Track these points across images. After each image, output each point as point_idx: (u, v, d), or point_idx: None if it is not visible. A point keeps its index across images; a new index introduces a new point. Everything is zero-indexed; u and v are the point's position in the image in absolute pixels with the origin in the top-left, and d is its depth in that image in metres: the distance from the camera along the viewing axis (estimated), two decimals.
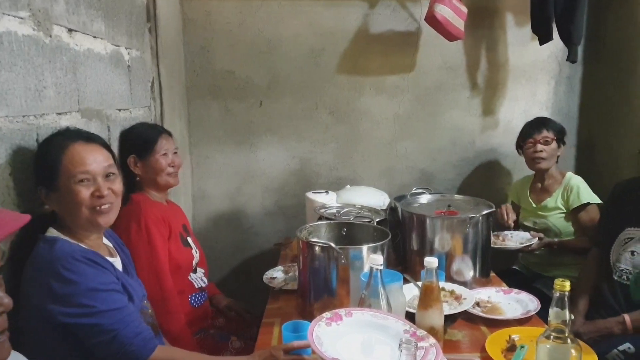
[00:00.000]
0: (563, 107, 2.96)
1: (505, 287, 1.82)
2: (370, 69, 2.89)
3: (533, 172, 2.52)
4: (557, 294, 1.09)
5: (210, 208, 2.99)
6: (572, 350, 1.08)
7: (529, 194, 2.51)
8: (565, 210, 2.36)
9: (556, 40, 2.61)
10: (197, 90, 2.88)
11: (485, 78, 2.94)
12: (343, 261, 1.50)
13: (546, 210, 2.40)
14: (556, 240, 2.34)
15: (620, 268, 1.88)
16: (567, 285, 1.08)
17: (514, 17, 2.87)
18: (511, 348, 1.39)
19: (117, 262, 1.39)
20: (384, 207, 2.22)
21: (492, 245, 2.14)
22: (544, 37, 2.63)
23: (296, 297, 1.73)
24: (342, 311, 1.26)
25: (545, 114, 2.91)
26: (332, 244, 1.51)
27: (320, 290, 1.56)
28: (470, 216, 1.81)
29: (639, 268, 1.79)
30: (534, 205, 2.46)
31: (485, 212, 1.84)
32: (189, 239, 1.94)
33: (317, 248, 1.55)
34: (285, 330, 1.35)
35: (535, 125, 2.43)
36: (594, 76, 2.90)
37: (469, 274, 1.82)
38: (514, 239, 2.27)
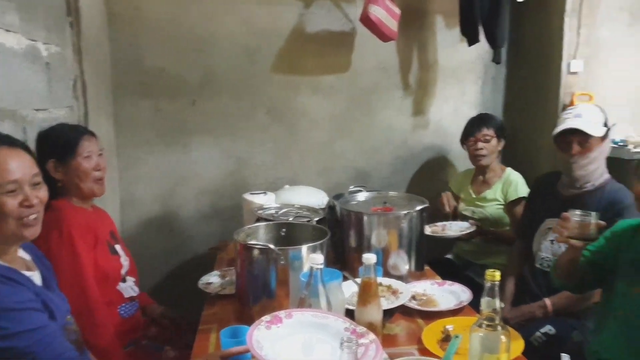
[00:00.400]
0: (489, 106, 3.11)
1: (439, 280, 1.88)
2: (306, 68, 2.89)
3: (476, 167, 2.63)
4: (488, 284, 1.13)
5: (140, 213, 2.87)
6: (503, 337, 1.13)
7: (470, 185, 2.62)
8: (502, 202, 2.49)
9: (482, 42, 2.74)
10: (125, 88, 2.75)
11: (416, 78, 3.03)
12: (282, 262, 1.48)
13: (485, 201, 2.52)
14: (491, 229, 2.46)
15: (542, 256, 2.00)
16: (498, 275, 1.13)
17: (444, 20, 2.99)
18: (446, 338, 1.43)
19: (35, 275, 1.28)
20: (323, 206, 2.22)
21: (432, 235, 2.23)
22: (471, 39, 2.75)
23: (234, 302, 1.69)
24: (282, 313, 1.24)
25: (473, 113, 3.04)
26: (271, 246, 1.49)
27: (259, 293, 1.54)
28: (404, 212, 1.86)
29: (558, 255, 1.91)
30: (473, 195, 2.58)
31: (418, 207, 1.89)
32: (117, 246, 1.84)
33: (255, 250, 1.52)
34: (224, 336, 1.31)
35: (475, 124, 2.55)
36: (516, 76, 3.07)
37: (405, 268, 1.87)
38: (454, 228, 2.35)
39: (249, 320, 1.37)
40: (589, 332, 1.76)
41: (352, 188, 2.26)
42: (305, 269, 1.46)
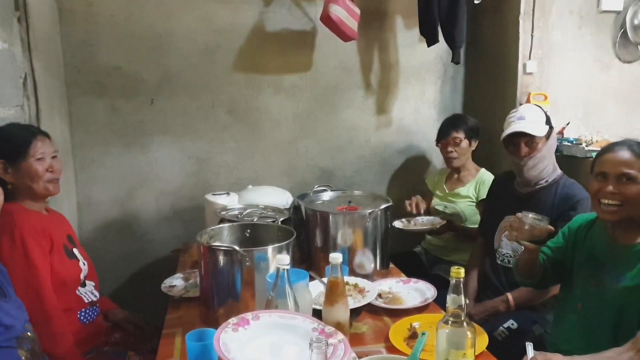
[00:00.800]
0: (448, 105, 3.19)
1: (404, 277, 1.91)
2: (268, 67, 2.88)
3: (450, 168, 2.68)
4: (454, 281, 1.16)
5: (99, 215, 2.78)
6: (468, 333, 1.16)
7: (444, 182, 2.67)
8: (474, 200, 2.54)
9: (441, 43, 2.80)
10: (79, 87, 2.66)
11: (378, 78, 3.06)
12: (248, 264, 1.47)
13: (457, 197, 2.57)
14: (461, 225, 2.51)
15: (502, 252, 2.07)
16: (462, 272, 1.16)
17: (403, 20, 3.03)
18: (413, 335, 1.46)
19: None
20: (288, 206, 2.22)
21: (403, 229, 2.25)
22: (430, 40, 2.80)
23: (198, 305, 1.67)
24: (248, 315, 1.23)
25: (433, 112, 3.12)
26: (236, 247, 1.47)
27: (225, 296, 1.52)
28: (369, 211, 1.88)
29: (517, 252, 1.98)
30: (447, 191, 2.63)
31: (383, 206, 1.91)
32: (75, 250, 1.78)
33: (219, 252, 1.50)
34: (190, 340, 1.29)
35: (445, 127, 2.60)
36: (475, 76, 3.16)
37: (371, 266, 1.89)
38: (424, 222, 2.37)
39: (215, 323, 1.36)
40: (549, 326, 1.82)
41: (316, 187, 2.27)
42: (272, 270, 1.45)
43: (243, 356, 1.11)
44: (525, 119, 1.95)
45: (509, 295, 1.95)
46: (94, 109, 2.69)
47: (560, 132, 2.71)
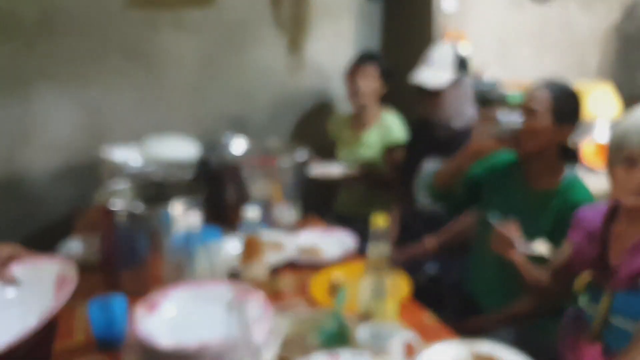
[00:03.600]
0: (367, 45, 3.16)
1: (324, 229, 1.93)
2: (165, 1, 2.67)
3: (353, 107, 2.63)
4: (375, 230, 1.18)
5: None
6: (391, 281, 1.20)
7: (348, 128, 2.66)
8: (380, 146, 2.54)
9: None
10: None
11: (289, 14, 2.95)
12: (153, 224, 1.40)
13: (362, 144, 2.57)
14: (374, 171, 2.50)
15: (421, 199, 2.15)
16: (383, 220, 1.18)
17: None
18: (334, 287, 1.48)
19: None
20: (195, 159, 2.13)
21: (316, 177, 2.26)
22: None
23: (100, 272, 1.58)
24: (157, 296, 1.16)
25: (350, 52, 3.09)
26: (139, 207, 1.40)
27: (129, 261, 1.46)
28: (287, 161, 1.85)
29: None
30: (352, 138, 2.61)
31: (300, 155, 1.89)
32: None
33: (121, 213, 1.42)
34: (94, 308, 1.22)
35: (359, 58, 2.53)
36: (393, 15, 3.15)
37: (289, 219, 1.88)
38: (334, 169, 2.37)
39: (120, 290, 1.29)
40: (466, 271, 1.95)
41: (228, 137, 2.19)
42: (181, 230, 1.39)
43: (169, 338, 1.06)
44: (433, 65, 1.95)
45: (429, 240, 2.04)
46: None
47: (478, 73, 2.80)
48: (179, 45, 2.75)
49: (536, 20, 3.02)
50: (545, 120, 1.54)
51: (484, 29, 2.90)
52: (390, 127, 2.53)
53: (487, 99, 2.57)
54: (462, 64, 2.01)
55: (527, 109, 1.57)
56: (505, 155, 1.72)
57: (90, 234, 1.88)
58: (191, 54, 2.78)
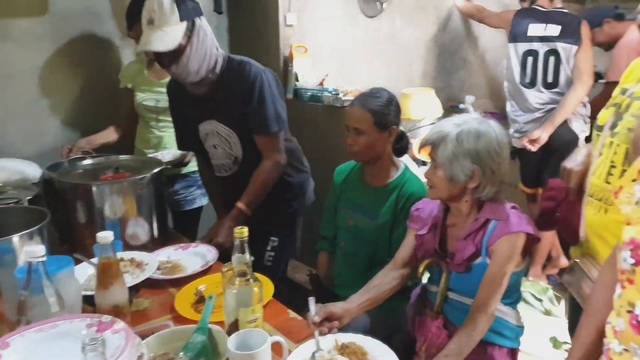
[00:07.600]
0: None
1: (184, 244, 1.81)
2: None
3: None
4: (237, 241, 1.16)
5: None
6: (255, 288, 1.18)
7: (145, 70, 2.36)
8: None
9: None
10: None
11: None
12: None
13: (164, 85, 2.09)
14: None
15: (216, 163, 1.93)
16: (245, 231, 1.16)
17: None
18: (200, 300, 1.43)
19: None
20: (36, 181, 1.88)
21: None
22: None
23: None
24: None
25: None
26: None
27: None
28: (140, 177, 1.73)
29: (232, 157, 1.89)
30: (151, 80, 2.33)
31: (156, 170, 1.78)
32: None
33: None
34: None
35: None
36: (238, 27, 3.13)
37: (146, 236, 1.76)
38: (167, 157, 2.16)
39: None
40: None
41: (73, 155, 1.97)
42: (21, 263, 1.21)
43: None
44: (153, 23, 1.61)
45: (239, 204, 1.78)
46: None
47: (321, 84, 2.89)
48: (7, 56, 2.41)
49: (369, 34, 3.23)
50: (373, 134, 1.71)
51: (325, 42, 3.01)
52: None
53: (330, 107, 2.66)
54: (187, 15, 1.66)
55: (353, 129, 1.72)
56: (340, 168, 1.93)
57: None
58: (23, 65, 2.46)
